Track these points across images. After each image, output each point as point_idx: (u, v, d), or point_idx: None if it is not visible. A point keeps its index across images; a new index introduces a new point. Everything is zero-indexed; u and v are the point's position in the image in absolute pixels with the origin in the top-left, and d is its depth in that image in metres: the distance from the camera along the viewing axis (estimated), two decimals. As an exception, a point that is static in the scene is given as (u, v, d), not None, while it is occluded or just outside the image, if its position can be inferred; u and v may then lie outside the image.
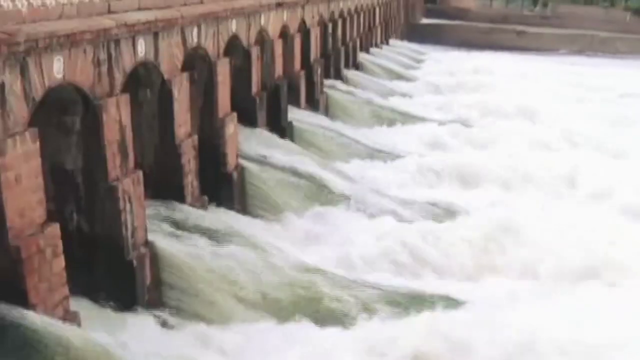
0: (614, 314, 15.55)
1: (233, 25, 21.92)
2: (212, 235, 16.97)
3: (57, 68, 12.46)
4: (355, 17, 44.27)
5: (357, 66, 43.63)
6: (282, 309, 15.78)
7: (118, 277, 14.42)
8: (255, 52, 24.19)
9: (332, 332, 15.02)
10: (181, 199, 17.91)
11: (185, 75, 18.18)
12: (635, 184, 25.28)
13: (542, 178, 26.24)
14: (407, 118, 35.58)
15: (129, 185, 14.63)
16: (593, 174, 26.33)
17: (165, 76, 17.15)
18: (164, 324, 14.73)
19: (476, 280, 18.64)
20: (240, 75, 23.35)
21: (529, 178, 26.28)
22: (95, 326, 13.14)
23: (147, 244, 15.30)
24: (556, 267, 18.80)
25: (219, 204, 19.87)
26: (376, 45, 53.13)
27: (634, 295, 17.09)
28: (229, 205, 20.25)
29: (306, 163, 23.88)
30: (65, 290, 12.56)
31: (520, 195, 24.80)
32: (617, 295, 17.27)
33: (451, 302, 16.43)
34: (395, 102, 39.22)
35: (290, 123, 27.23)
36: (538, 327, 14.65)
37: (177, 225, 16.89)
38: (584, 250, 19.31)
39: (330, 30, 37.10)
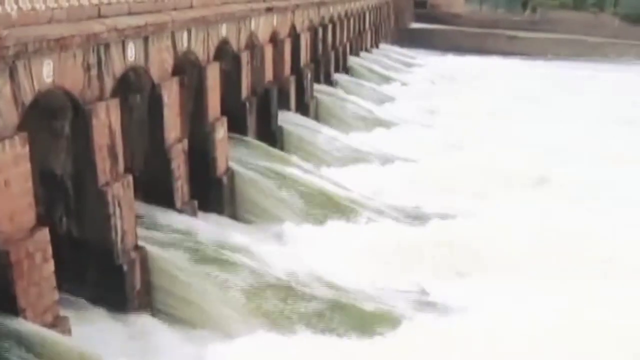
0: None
1: (223, 30, 21.94)
2: (202, 240, 16.95)
3: (46, 72, 12.45)
4: (345, 21, 44.39)
5: (347, 70, 43.76)
6: (271, 316, 15.76)
7: (108, 281, 14.38)
8: (245, 56, 24.23)
9: (327, 340, 15.03)
10: (171, 203, 17.89)
11: (175, 79, 18.19)
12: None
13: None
14: (396, 122, 35.67)
15: (119, 189, 14.60)
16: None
17: (155, 81, 17.15)
18: (154, 329, 14.70)
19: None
20: (230, 80, 23.36)
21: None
22: (85, 332, 13.10)
23: (137, 248, 15.27)
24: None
25: (209, 208, 19.85)
26: (366, 50, 53.31)
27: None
28: (219, 210, 20.26)
29: (296, 167, 23.90)
30: (55, 295, 12.52)
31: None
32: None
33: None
34: (385, 106, 39.32)
35: (281, 127, 27.27)
36: None
37: (167, 229, 16.86)
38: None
39: (320, 34, 37.19)
